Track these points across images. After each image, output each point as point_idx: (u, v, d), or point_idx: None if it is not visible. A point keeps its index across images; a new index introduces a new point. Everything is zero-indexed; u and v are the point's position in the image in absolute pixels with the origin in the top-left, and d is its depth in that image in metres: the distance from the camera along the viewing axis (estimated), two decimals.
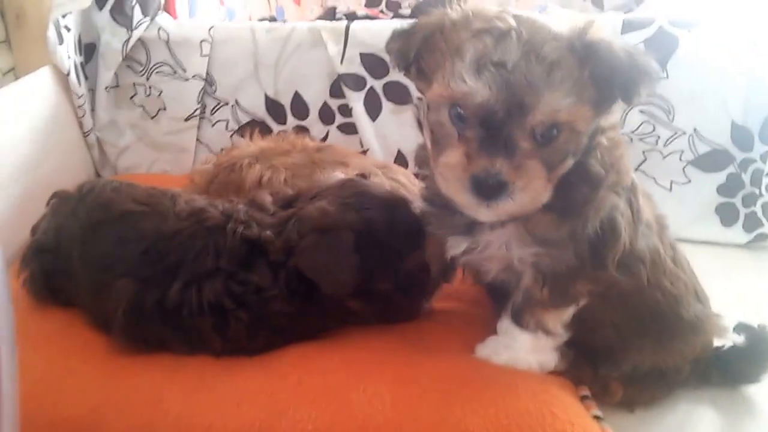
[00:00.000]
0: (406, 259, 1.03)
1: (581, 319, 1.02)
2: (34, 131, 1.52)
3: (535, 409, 0.89)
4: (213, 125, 1.82)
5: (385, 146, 1.75)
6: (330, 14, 2.43)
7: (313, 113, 1.76)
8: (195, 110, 1.78)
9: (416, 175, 1.46)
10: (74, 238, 1.10)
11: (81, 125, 1.73)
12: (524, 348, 1.02)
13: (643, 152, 1.63)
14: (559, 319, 1.01)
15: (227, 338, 1.01)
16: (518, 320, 1.02)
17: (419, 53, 0.89)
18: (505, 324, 1.05)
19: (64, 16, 1.58)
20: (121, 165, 1.85)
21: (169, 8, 1.87)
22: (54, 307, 1.13)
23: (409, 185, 1.33)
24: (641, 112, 1.61)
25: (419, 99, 0.97)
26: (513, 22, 0.83)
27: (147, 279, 1.02)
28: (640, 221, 1.00)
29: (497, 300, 1.11)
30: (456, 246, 1.01)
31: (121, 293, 1.01)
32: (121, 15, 1.69)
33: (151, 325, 1.01)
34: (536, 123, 0.82)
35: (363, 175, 1.09)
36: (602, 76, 0.83)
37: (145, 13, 1.72)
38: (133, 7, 1.69)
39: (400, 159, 1.74)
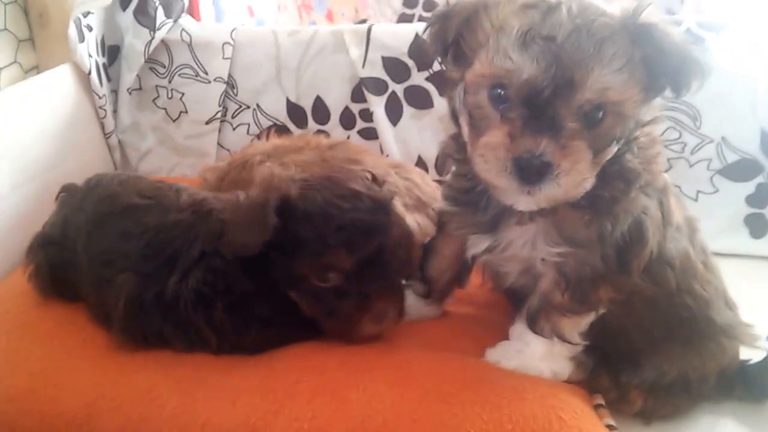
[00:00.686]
0: (329, 252, 0.93)
1: (605, 323, 0.98)
2: (52, 129, 1.53)
3: (541, 414, 0.86)
4: (234, 129, 1.81)
5: (405, 152, 1.72)
6: None
7: (334, 118, 1.75)
8: (216, 113, 1.77)
9: (439, 182, 1.45)
10: (79, 232, 1.09)
11: (102, 126, 1.73)
12: (537, 354, 0.99)
13: (669, 160, 1.57)
14: (576, 327, 0.97)
15: (218, 331, 0.98)
16: (533, 325, 0.98)
17: (459, 34, 0.85)
18: (519, 328, 1.01)
19: (86, 15, 1.60)
20: (142, 168, 1.85)
21: (193, 12, 1.88)
22: (58, 302, 1.13)
23: (423, 185, 1.30)
24: (667, 118, 1.56)
25: (450, 89, 0.92)
26: None
27: (148, 273, 1.01)
28: (670, 224, 0.97)
29: (517, 306, 1.07)
30: (477, 245, 0.98)
31: (122, 287, 1.00)
32: (144, 16, 1.70)
33: (151, 320, 1.00)
34: (584, 101, 0.78)
35: (374, 177, 1.04)
36: (653, 61, 0.80)
37: (168, 15, 1.73)
38: (156, 9, 1.70)
39: (421, 165, 1.70)
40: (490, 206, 0.94)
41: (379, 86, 1.69)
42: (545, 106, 0.77)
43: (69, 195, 1.18)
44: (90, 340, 1.04)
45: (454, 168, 1.02)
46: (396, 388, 0.89)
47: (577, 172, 0.79)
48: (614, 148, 0.84)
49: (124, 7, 1.72)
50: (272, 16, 2.53)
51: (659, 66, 0.81)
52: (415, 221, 1.24)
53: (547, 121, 0.77)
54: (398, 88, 1.69)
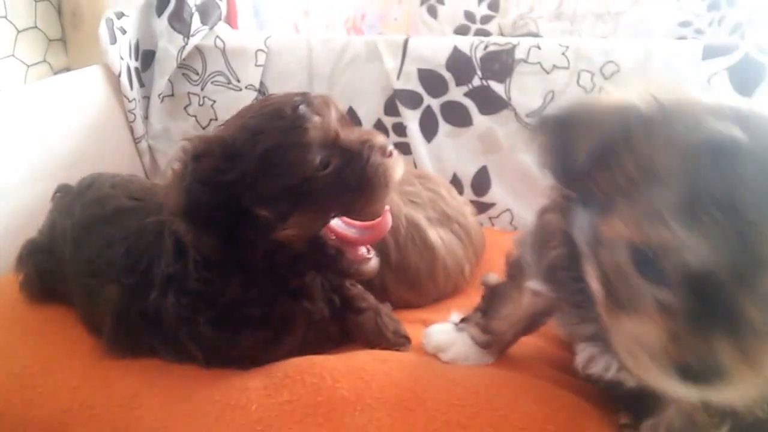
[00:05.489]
0: (309, 128, 0.83)
1: None
2: (78, 128, 1.51)
3: None
4: None
5: (440, 169, 1.63)
6: None
7: None
8: None
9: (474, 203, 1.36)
10: (66, 238, 1.03)
11: (132, 130, 1.70)
12: None
13: None
14: None
15: (206, 347, 0.90)
16: None
17: (587, 164, 0.62)
18: None
19: (119, 17, 1.57)
20: None
21: (231, 21, 1.85)
22: (51, 298, 1.07)
23: (449, 198, 1.22)
24: None
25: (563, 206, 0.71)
26: (740, 131, 0.55)
27: (131, 285, 0.93)
28: None
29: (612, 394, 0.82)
30: (581, 331, 0.76)
31: (108, 300, 0.94)
32: (178, 22, 1.67)
33: (138, 335, 0.93)
34: None
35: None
36: None
37: (204, 22, 1.70)
38: (192, 15, 1.67)
39: (456, 183, 1.62)
40: None
41: (413, 100, 1.61)
42: (718, 292, 0.55)
43: (62, 196, 1.12)
44: (78, 340, 0.98)
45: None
46: (398, 412, 0.79)
47: (763, 380, 0.57)
48: None
49: (160, 13, 1.69)
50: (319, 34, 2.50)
51: None
52: (438, 236, 1.15)
53: (722, 314, 0.55)
54: (434, 103, 1.61)
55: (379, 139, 0.89)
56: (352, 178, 0.86)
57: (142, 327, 0.92)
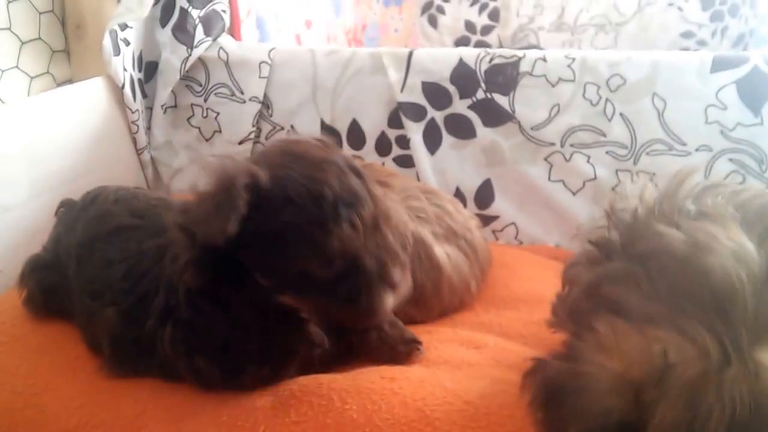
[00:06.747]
0: (333, 234, 0.75)
1: None
2: (81, 140, 1.50)
3: None
4: None
5: (443, 182, 1.63)
6: None
7: (370, 143, 1.67)
8: (249, 133, 1.72)
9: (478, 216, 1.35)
10: (71, 255, 1.01)
11: (135, 142, 1.70)
12: None
13: None
14: None
15: (205, 381, 0.88)
16: None
17: None
18: None
19: (123, 29, 1.56)
20: (174, 186, 1.80)
21: (234, 33, 1.84)
22: (55, 315, 1.06)
23: (455, 214, 1.21)
24: (730, 160, 1.44)
25: None
26: None
27: (127, 310, 0.91)
28: None
29: None
30: None
31: (105, 324, 0.92)
32: (182, 33, 1.67)
33: (136, 361, 0.92)
34: None
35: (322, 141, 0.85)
36: None
37: (207, 33, 1.70)
38: (195, 26, 1.67)
39: (459, 196, 1.61)
40: None
41: (417, 112, 1.61)
42: None
43: (66, 211, 1.11)
44: (81, 358, 0.97)
45: None
46: None
47: None
48: None
49: (164, 24, 1.69)
50: (324, 46, 2.49)
51: None
52: (444, 252, 1.15)
53: None
54: (438, 116, 1.60)
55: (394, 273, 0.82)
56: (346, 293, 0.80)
57: (139, 354, 0.91)
